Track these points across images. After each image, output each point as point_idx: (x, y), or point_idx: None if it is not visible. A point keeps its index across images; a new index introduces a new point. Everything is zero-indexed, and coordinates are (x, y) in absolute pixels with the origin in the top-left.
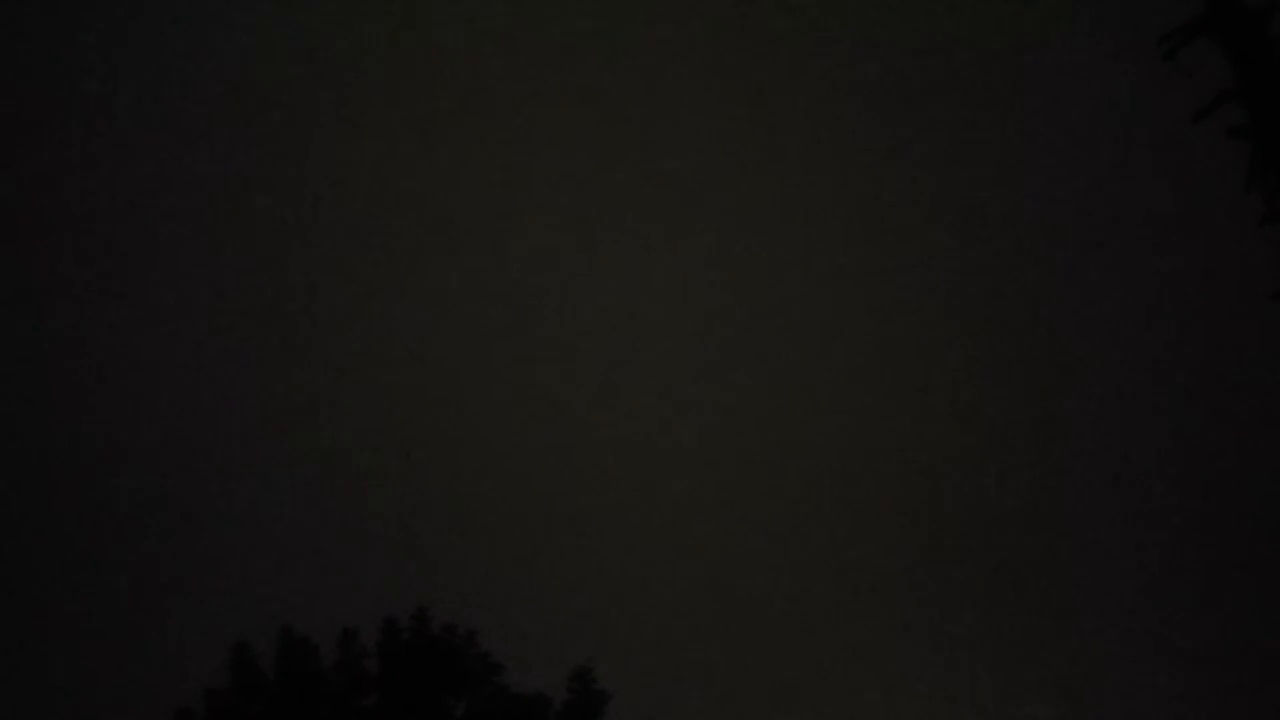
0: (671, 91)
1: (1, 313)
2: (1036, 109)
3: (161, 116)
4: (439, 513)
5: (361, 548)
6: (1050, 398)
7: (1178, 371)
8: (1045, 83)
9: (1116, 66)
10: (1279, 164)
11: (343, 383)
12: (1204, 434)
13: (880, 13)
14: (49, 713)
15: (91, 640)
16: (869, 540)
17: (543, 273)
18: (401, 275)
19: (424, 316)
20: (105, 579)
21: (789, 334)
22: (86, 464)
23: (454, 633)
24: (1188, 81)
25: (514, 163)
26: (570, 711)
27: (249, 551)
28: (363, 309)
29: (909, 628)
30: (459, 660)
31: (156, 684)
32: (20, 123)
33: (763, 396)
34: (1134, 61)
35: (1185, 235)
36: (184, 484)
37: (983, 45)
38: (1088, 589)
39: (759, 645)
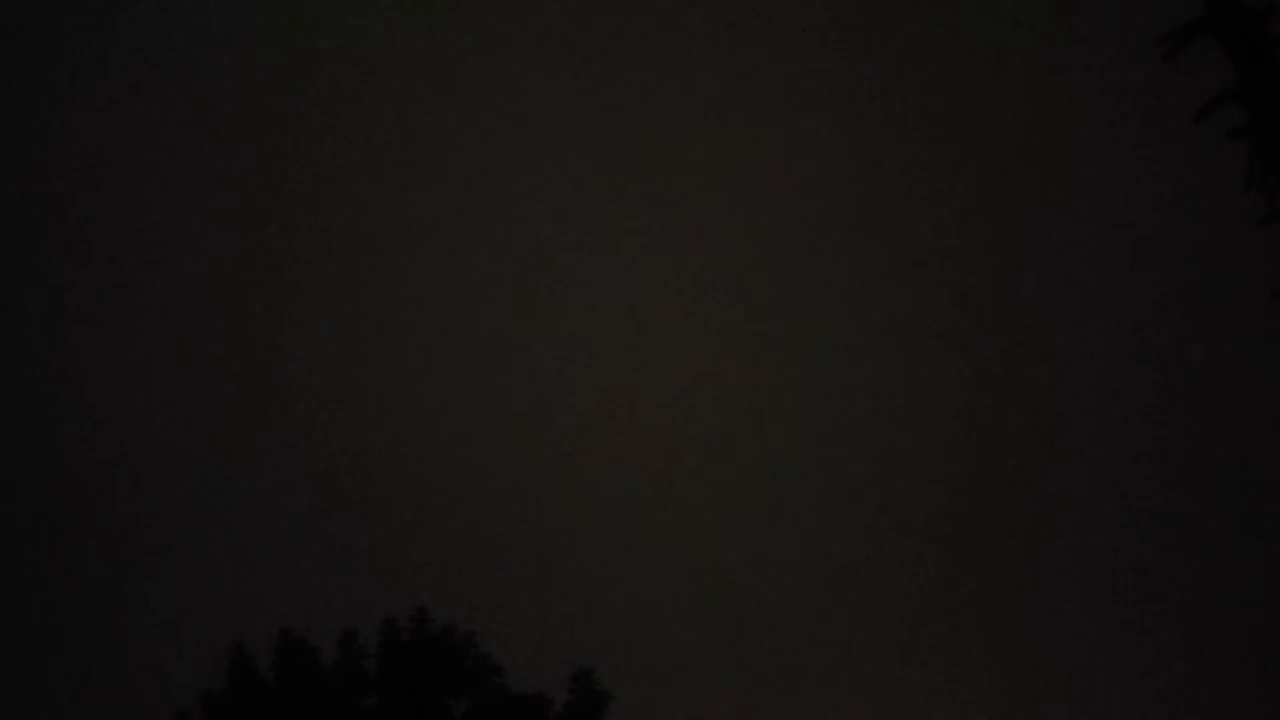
0: (676, 88)
1: None
2: (1035, 109)
3: (157, 114)
4: (438, 513)
5: (361, 548)
6: (1048, 397)
7: (1177, 371)
8: (1044, 82)
9: (1116, 66)
10: (1279, 164)
11: (342, 381)
12: (1203, 434)
13: (880, 12)
14: (44, 715)
15: (87, 642)
16: (873, 542)
17: (544, 272)
18: (400, 274)
19: (423, 316)
20: (100, 580)
21: (793, 335)
22: (82, 463)
23: (454, 633)
24: (1188, 81)
25: (512, 161)
26: (571, 712)
27: (246, 552)
28: (361, 309)
29: (912, 629)
30: (459, 661)
31: (153, 686)
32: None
33: (766, 398)
34: (1134, 61)
35: (1185, 235)
36: (181, 484)
37: (981, 45)
38: (1088, 590)
39: (761, 646)
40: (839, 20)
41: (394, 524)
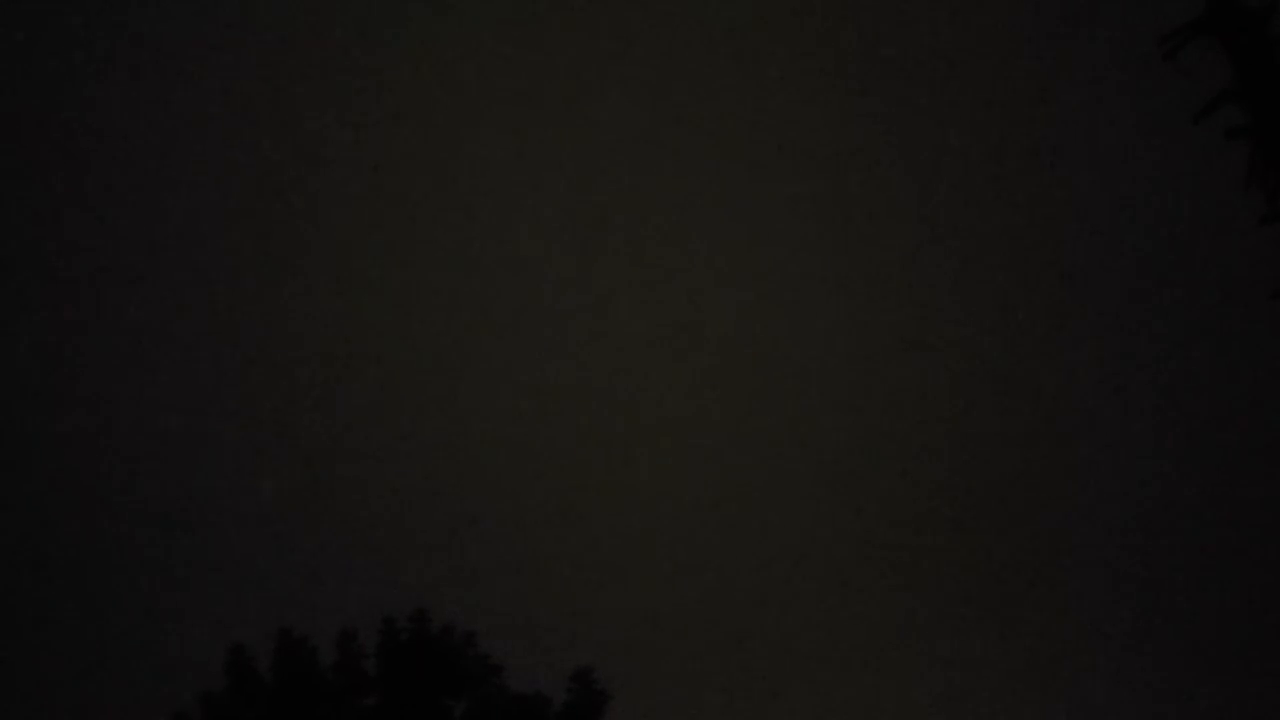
0: (675, 90)
1: None
2: (1036, 109)
3: (155, 116)
4: (438, 513)
5: (359, 548)
6: (1049, 397)
7: (1177, 371)
8: (1044, 83)
9: (1116, 66)
10: (1279, 164)
11: (340, 381)
12: (1204, 434)
13: (879, 13)
14: (44, 715)
15: (85, 644)
16: (872, 541)
17: (544, 271)
18: (399, 275)
19: (422, 316)
20: (99, 581)
21: (792, 335)
22: (80, 465)
23: (453, 634)
24: (1188, 81)
25: (511, 161)
26: (570, 712)
27: (245, 553)
28: (359, 309)
29: (911, 628)
30: (458, 661)
31: (152, 688)
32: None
33: (765, 397)
34: (1134, 61)
35: (1185, 235)
36: (179, 484)
37: (981, 46)
38: (1090, 594)
39: (760, 645)
40: (839, 22)
41: (394, 524)
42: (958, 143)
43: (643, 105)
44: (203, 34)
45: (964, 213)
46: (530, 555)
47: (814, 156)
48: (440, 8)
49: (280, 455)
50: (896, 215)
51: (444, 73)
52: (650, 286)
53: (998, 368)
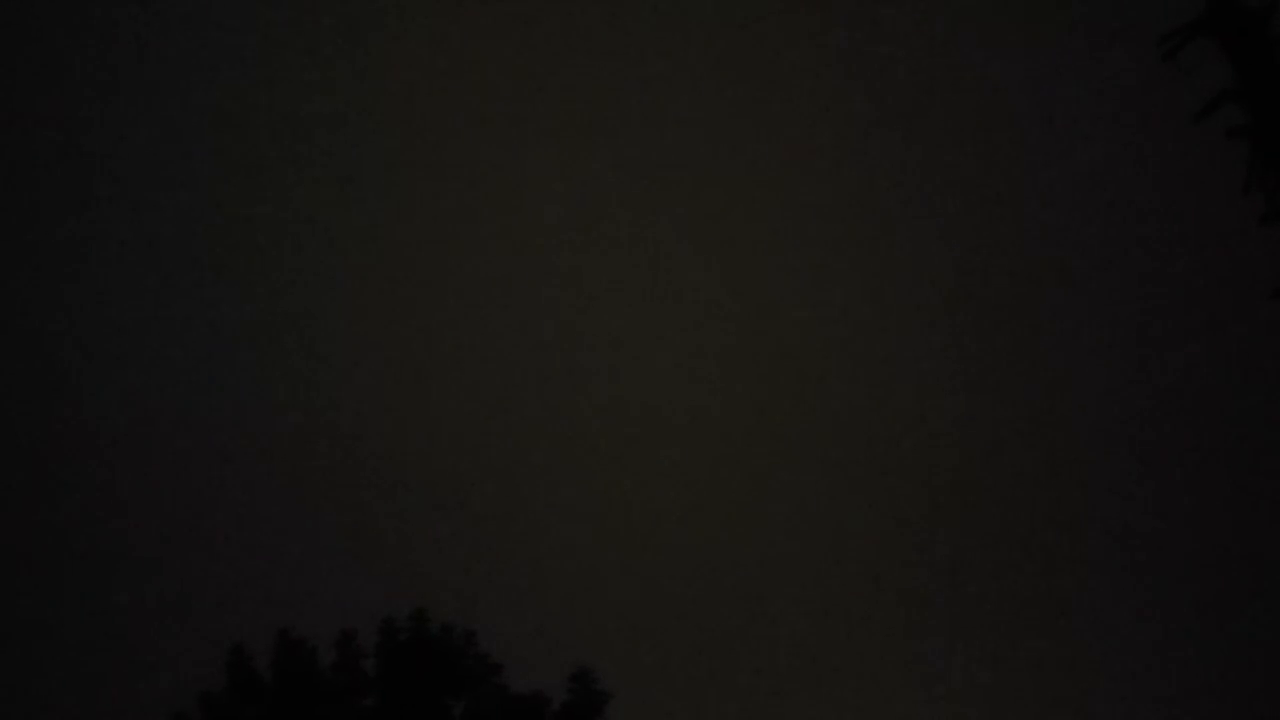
0: (677, 91)
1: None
2: (1036, 109)
3: (157, 116)
4: (437, 513)
5: (359, 548)
6: (1049, 398)
7: (1177, 372)
8: (1044, 82)
9: (1117, 66)
10: (1279, 164)
11: (339, 381)
12: (1204, 435)
13: (878, 13)
14: (44, 715)
15: (85, 644)
16: (872, 541)
17: (543, 272)
18: (397, 275)
19: (421, 316)
20: (98, 581)
21: (793, 335)
22: (80, 465)
23: (452, 633)
24: (1188, 81)
25: (511, 161)
26: (570, 711)
27: (244, 553)
28: (359, 309)
29: (912, 629)
30: (458, 660)
31: (151, 689)
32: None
33: (766, 397)
34: (1134, 61)
35: (1185, 235)
36: (179, 484)
37: (982, 45)
38: (1093, 595)
39: (760, 645)
40: (836, 23)
41: (393, 524)
42: (954, 144)
43: (655, 104)
44: (214, 35)
45: (964, 214)
46: (530, 555)
47: (815, 156)
48: (442, 10)
49: (280, 456)
50: (899, 216)
51: (454, 77)
52: (652, 288)
53: (1000, 367)
